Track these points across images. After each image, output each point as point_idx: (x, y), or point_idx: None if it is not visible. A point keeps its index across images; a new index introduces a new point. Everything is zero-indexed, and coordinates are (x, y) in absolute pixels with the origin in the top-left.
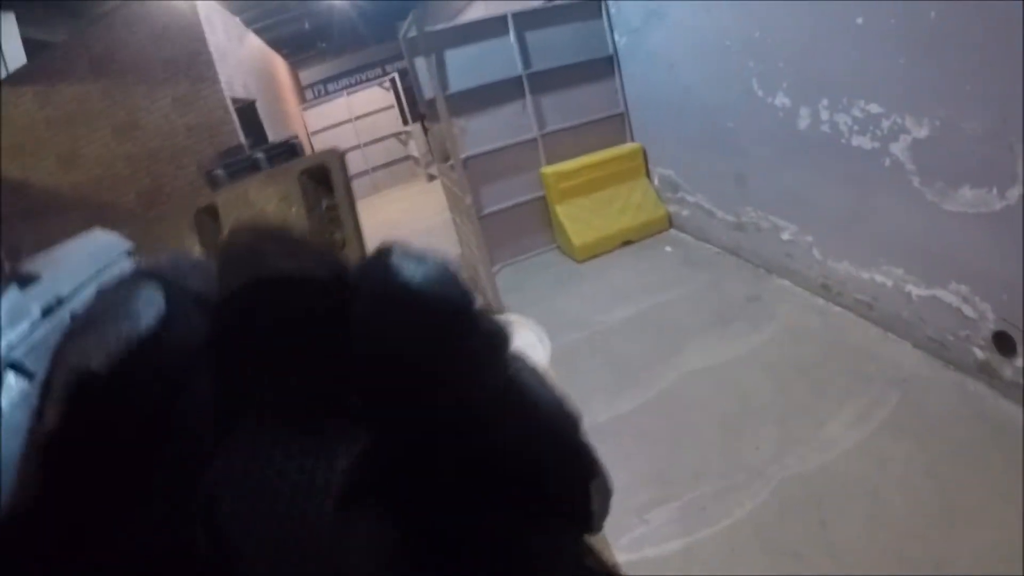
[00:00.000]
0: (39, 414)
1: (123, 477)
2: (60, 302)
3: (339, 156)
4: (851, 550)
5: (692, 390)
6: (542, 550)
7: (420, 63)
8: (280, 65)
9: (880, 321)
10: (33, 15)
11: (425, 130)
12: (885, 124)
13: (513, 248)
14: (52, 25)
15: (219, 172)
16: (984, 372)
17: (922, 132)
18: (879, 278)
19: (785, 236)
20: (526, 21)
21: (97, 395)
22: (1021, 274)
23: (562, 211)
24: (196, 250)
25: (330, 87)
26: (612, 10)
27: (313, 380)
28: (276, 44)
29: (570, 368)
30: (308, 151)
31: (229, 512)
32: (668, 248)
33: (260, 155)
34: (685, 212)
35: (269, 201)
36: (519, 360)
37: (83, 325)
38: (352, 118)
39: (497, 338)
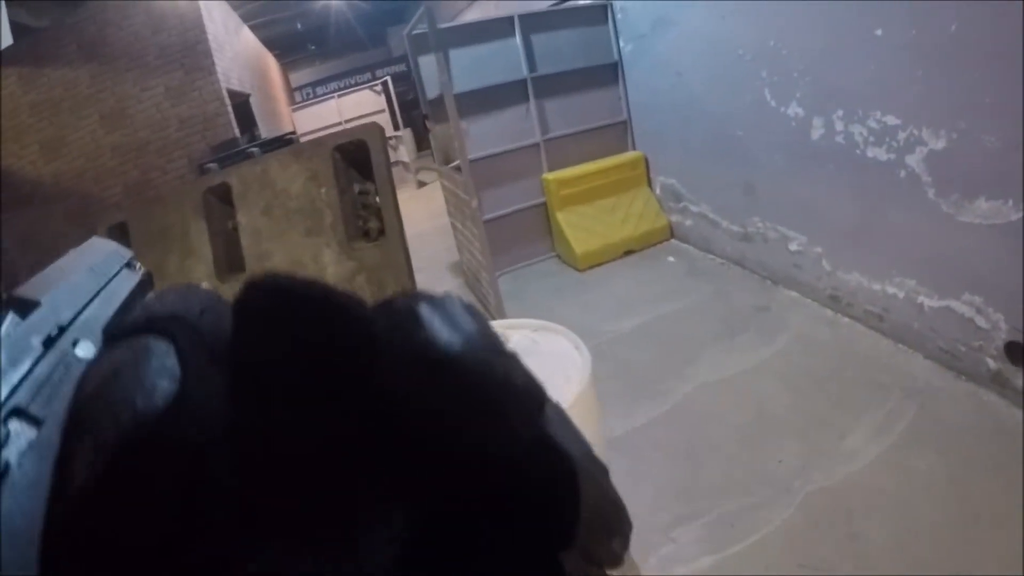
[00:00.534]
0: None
1: None
2: (62, 331)
3: (380, 132)
4: (884, 562)
5: (707, 402)
6: None
7: (425, 61)
8: (272, 64)
9: (891, 332)
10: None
11: (426, 131)
12: (901, 136)
13: (512, 255)
14: (42, 10)
15: (212, 166)
16: (996, 382)
17: (939, 144)
18: (891, 289)
19: (793, 247)
20: (533, 23)
21: (116, 496)
22: None
23: (563, 218)
24: (203, 238)
25: (319, 90)
26: (618, 15)
27: (340, 474)
28: (267, 44)
29: None
30: None
31: None
32: (671, 258)
33: (255, 150)
34: (688, 222)
35: (294, 181)
36: (550, 408)
37: (94, 398)
38: (342, 121)
39: (533, 397)
